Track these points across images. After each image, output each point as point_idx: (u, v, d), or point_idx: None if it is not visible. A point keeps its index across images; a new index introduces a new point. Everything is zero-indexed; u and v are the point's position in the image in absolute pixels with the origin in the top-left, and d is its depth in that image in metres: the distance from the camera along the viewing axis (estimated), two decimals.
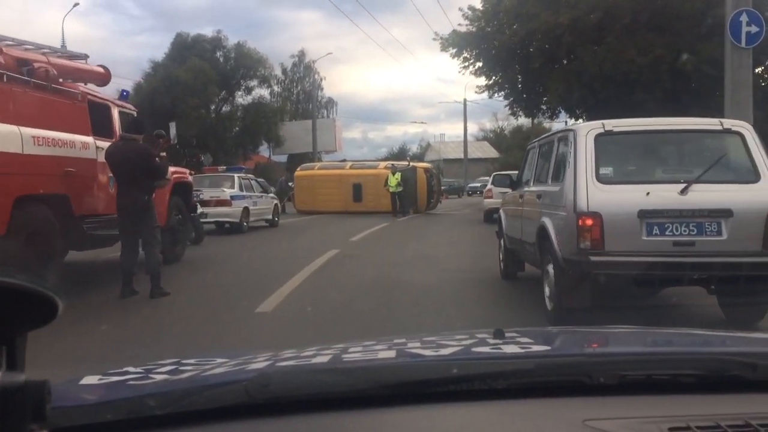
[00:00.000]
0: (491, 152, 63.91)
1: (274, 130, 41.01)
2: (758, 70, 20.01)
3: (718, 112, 18.18)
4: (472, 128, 73.21)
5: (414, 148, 68.16)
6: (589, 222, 4.15)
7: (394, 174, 19.14)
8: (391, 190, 19.10)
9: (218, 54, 40.88)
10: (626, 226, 4.16)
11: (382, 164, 22.61)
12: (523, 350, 1.05)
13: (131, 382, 0.99)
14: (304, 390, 0.87)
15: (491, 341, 1.10)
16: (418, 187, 20.68)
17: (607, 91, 19.15)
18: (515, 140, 61.61)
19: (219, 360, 1.10)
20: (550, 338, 1.36)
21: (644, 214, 4.16)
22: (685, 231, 4.16)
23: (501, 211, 7.23)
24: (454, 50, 23.69)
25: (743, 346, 1.23)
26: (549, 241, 4.68)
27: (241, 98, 41.94)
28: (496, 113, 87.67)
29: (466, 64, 23.91)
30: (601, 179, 4.32)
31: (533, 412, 0.87)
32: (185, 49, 39.56)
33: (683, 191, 4.20)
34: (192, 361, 1.12)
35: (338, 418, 0.84)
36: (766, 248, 4.11)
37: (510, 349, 1.05)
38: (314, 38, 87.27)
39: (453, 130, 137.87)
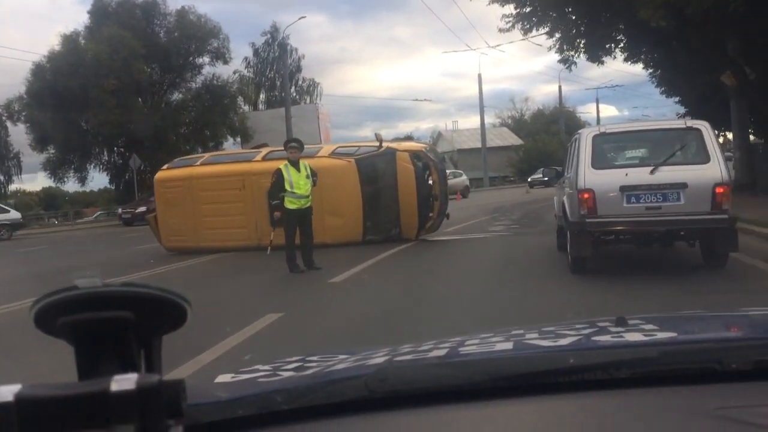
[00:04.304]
0: (512, 139, 62.56)
1: (237, 119, 36.95)
2: None
3: None
4: (488, 118, 65.09)
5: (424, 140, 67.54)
6: (585, 196, 6.82)
7: (293, 164, 9.14)
8: (290, 205, 9.09)
9: (155, 23, 36.75)
10: (612, 197, 6.83)
11: (330, 148, 13.50)
12: (647, 337, 1.15)
13: (261, 380, 1.21)
14: (420, 384, 1.01)
15: (613, 329, 1.23)
16: (400, 192, 12.35)
17: None
18: (537, 125, 61.60)
19: (341, 356, 1.31)
20: (677, 324, 1.47)
21: (624, 189, 6.81)
22: (653, 199, 6.81)
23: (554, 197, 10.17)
24: None
25: None
26: (566, 212, 7.52)
27: (191, 81, 37.74)
28: (513, 98, 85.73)
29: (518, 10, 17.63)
30: (595, 166, 6.93)
31: (659, 401, 0.94)
32: (106, 17, 33.93)
33: (652, 171, 6.85)
34: (316, 358, 1.36)
35: (455, 410, 0.96)
36: (713, 209, 6.73)
37: (633, 337, 1.15)
38: (318, 41, 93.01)
39: (465, 124, 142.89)
